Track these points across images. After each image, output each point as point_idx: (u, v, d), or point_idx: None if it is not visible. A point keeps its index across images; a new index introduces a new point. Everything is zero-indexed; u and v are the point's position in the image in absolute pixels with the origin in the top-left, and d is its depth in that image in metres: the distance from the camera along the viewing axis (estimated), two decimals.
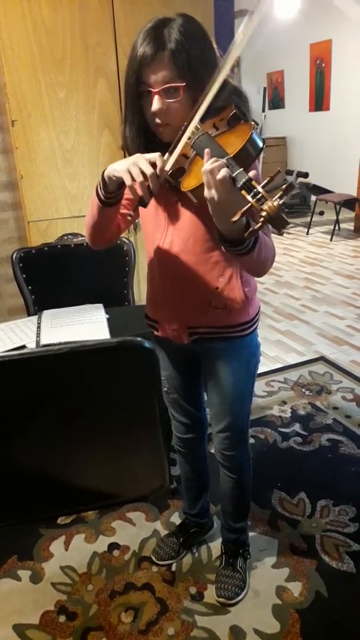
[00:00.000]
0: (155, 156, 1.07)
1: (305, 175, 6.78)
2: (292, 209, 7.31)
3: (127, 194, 1.27)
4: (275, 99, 8.33)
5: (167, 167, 1.09)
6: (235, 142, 1.04)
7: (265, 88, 8.27)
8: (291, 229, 6.70)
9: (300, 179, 6.94)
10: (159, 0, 2.61)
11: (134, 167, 1.06)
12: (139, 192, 1.07)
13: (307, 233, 6.45)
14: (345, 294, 4.30)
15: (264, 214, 0.89)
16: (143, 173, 1.06)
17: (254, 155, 1.05)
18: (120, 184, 1.14)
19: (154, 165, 1.06)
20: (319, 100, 7.39)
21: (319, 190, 6.93)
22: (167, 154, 1.12)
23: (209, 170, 0.97)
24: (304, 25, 7.00)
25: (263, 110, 8.32)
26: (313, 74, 7.38)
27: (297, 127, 7.97)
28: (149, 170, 1.05)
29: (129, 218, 1.34)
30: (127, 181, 1.07)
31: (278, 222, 0.90)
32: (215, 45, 1.15)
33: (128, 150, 1.24)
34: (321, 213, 7.23)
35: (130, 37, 2.57)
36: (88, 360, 0.79)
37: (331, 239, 6.09)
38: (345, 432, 2.41)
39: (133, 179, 1.06)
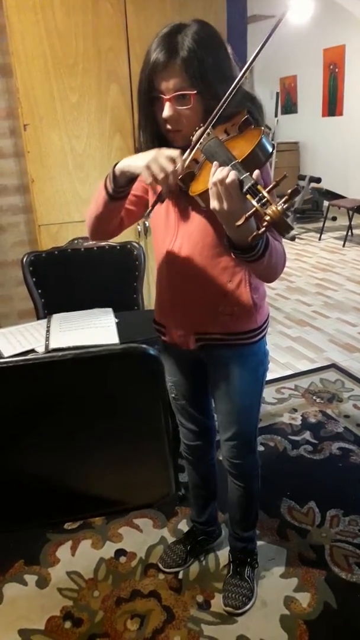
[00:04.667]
0: (175, 154, 1.06)
1: (318, 180, 6.75)
2: (304, 214, 7.28)
3: (135, 190, 1.27)
4: (288, 104, 8.32)
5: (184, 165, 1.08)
6: (244, 146, 1.03)
7: (278, 93, 8.28)
8: (303, 234, 6.66)
9: (313, 184, 6.91)
10: (172, 6, 2.61)
11: (154, 163, 1.05)
12: (160, 188, 1.07)
13: (320, 239, 6.42)
14: (357, 300, 4.26)
15: (267, 218, 0.89)
16: (163, 169, 1.05)
17: (263, 160, 1.04)
18: (131, 179, 1.14)
19: (173, 162, 1.05)
20: (332, 105, 7.37)
21: (331, 195, 6.89)
22: (186, 153, 1.11)
23: (217, 180, 0.97)
24: (317, 31, 7.00)
25: (276, 115, 8.31)
26: (326, 79, 7.36)
27: (310, 132, 7.95)
28: (169, 168, 1.05)
29: (134, 214, 1.33)
30: (147, 178, 1.06)
31: (281, 227, 0.90)
32: (230, 51, 1.14)
33: None
34: (334, 218, 7.19)
35: (143, 42, 2.59)
36: (93, 366, 0.78)
37: (344, 245, 6.05)
38: (356, 440, 2.38)
39: (153, 175, 1.05)
